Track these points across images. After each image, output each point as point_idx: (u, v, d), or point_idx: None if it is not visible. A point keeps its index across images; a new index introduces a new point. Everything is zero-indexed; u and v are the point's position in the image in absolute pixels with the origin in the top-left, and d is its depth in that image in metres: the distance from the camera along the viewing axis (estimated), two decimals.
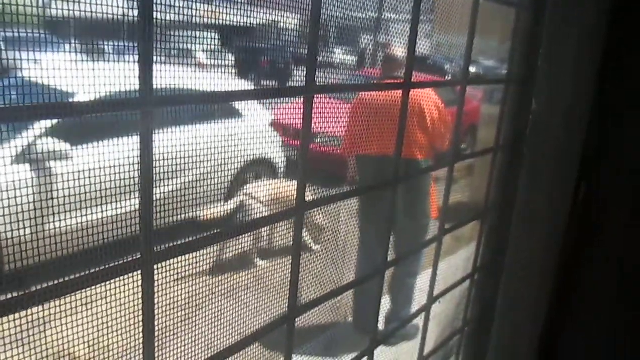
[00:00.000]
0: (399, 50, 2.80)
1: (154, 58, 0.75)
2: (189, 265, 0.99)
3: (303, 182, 1.03)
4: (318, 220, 3.43)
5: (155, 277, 0.81)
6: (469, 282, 1.69)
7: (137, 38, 0.73)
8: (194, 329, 1.11)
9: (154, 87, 0.74)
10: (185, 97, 0.81)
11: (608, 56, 0.65)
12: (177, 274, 0.98)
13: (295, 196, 0.95)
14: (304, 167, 1.03)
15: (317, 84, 1.01)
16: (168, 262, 0.85)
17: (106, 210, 1.06)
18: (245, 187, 4.12)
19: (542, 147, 0.68)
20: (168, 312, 0.91)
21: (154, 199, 0.80)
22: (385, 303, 2.57)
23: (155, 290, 0.86)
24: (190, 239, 0.85)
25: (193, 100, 0.82)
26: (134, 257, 0.79)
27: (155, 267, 0.81)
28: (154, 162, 1.01)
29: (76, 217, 1.03)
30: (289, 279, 1.05)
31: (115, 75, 0.91)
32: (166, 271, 0.86)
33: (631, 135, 0.66)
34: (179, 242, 0.84)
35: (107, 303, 0.90)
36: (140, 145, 0.75)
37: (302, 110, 1.03)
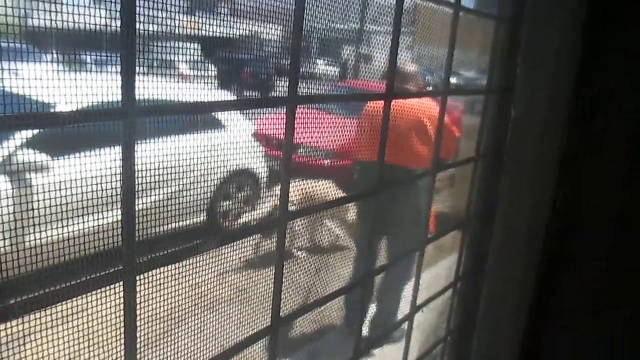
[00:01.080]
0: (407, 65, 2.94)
1: (136, 69, 0.75)
2: (174, 275, 0.98)
3: (286, 193, 1.03)
4: (350, 217, 3.53)
5: (138, 289, 0.81)
6: (452, 291, 1.70)
7: (120, 48, 0.73)
8: (183, 338, 1.10)
9: (137, 98, 0.74)
10: (167, 108, 0.81)
11: (585, 65, 0.67)
12: (164, 284, 0.97)
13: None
14: (287, 177, 1.03)
15: (300, 94, 1.02)
16: (152, 272, 0.85)
17: (88, 222, 1.05)
18: (274, 189, 4.15)
19: (521, 155, 0.69)
20: (151, 324, 0.90)
21: (136, 210, 0.80)
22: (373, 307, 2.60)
23: (138, 301, 0.86)
24: (173, 249, 0.84)
25: (175, 111, 0.82)
26: (116, 269, 0.78)
27: (138, 278, 0.80)
28: (136, 174, 1.01)
29: (57, 228, 1.02)
30: (272, 289, 1.04)
31: (97, 86, 0.91)
32: (149, 282, 0.85)
33: (607, 139, 0.68)
34: (161, 253, 0.83)
35: (88, 315, 0.89)
36: (122, 155, 0.74)
37: (284, 120, 1.04)
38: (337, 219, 3.64)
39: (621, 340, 0.74)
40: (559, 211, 0.70)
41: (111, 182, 0.88)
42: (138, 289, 0.81)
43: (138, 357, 0.85)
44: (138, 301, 0.86)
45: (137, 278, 0.80)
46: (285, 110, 1.02)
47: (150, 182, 1.17)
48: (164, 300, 0.97)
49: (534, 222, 0.69)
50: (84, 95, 0.92)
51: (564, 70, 0.66)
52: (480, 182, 1.58)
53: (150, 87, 1.04)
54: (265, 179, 4.51)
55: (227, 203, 4.58)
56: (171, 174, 1.50)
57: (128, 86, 0.73)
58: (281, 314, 1.07)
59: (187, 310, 1.15)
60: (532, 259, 0.71)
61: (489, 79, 1.50)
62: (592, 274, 0.72)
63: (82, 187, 1.03)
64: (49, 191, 0.95)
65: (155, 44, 1.02)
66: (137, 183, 0.97)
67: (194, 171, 1.65)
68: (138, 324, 0.89)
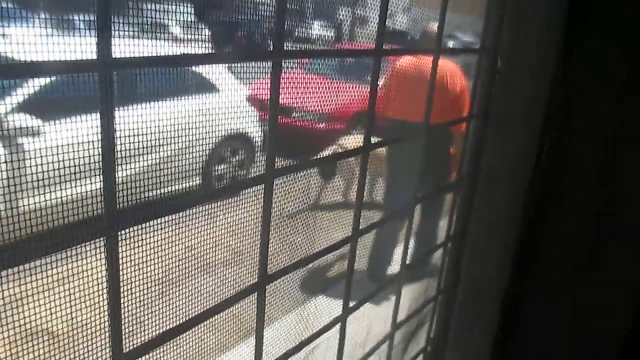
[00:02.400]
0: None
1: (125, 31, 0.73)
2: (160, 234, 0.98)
3: (272, 151, 1.02)
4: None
5: (122, 247, 0.80)
6: (442, 250, 1.71)
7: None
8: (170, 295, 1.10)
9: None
10: (144, 60, 0.79)
11: (570, 30, 0.65)
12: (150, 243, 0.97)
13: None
14: (273, 136, 1.02)
15: (285, 49, 0.99)
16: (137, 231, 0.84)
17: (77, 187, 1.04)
18: (339, 140, 4.25)
19: (505, 113, 0.68)
20: (135, 284, 0.90)
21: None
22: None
23: (122, 260, 0.85)
24: (155, 208, 0.83)
25: (153, 63, 0.80)
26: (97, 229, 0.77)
27: (124, 234, 0.79)
28: (127, 139, 1.00)
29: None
30: (258, 248, 1.04)
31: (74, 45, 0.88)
32: (134, 240, 0.85)
33: (593, 100, 0.67)
34: (144, 210, 0.82)
35: (74, 280, 0.88)
36: (101, 116, 0.73)
37: (269, 77, 1.02)
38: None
39: (599, 303, 0.74)
40: (543, 165, 0.69)
41: (93, 148, 0.86)
42: (122, 247, 0.80)
43: (123, 315, 0.86)
44: (123, 259, 0.86)
45: (119, 234, 0.79)
46: (271, 65, 1.00)
47: (142, 147, 1.16)
48: (151, 259, 0.97)
49: (517, 181, 0.68)
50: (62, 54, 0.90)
51: (549, 31, 0.64)
52: (472, 141, 1.57)
53: (142, 50, 1.03)
54: (259, 143, 4.48)
55: (222, 167, 4.58)
56: (165, 137, 1.49)
57: (104, 42, 0.70)
58: (268, 271, 1.07)
59: (175, 270, 1.15)
60: (513, 221, 0.70)
61: (482, 39, 1.48)
62: (576, 237, 0.72)
63: (66, 152, 1.02)
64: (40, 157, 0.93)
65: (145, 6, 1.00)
66: (126, 148, 0.96)
67: (186, 135, 1.63)
68: (123, 280, 0.89)
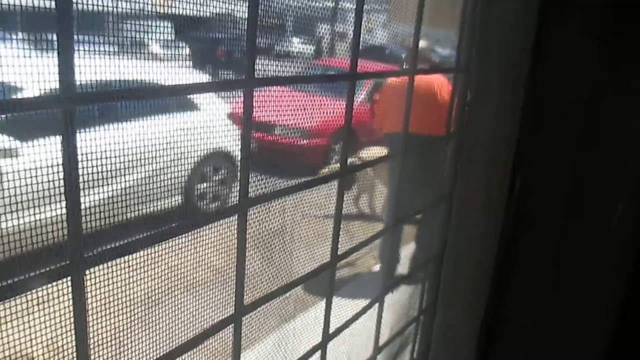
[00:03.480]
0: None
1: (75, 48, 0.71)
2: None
3: (246, 178, 1.00)
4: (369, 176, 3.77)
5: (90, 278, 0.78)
6: (423, 273, 1.70)
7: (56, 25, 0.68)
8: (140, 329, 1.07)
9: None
10: (111, 94, 0.77)
11: (539, 47, 0.64)
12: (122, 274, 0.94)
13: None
14: (246, 162, 1.00)
15: (257, 77, 0.98)
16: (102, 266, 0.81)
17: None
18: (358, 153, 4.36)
19: (477, 137, 0.68)
20: (103, 317, 0.88)
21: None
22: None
23: (90, 293, 0.83)
24: (124, 241, 0.81)
25: (120, 97, 0.78)
26: (65, 262, 0.75)
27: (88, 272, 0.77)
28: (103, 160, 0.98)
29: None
30: (234, 278, 1.02)
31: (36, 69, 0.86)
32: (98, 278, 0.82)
33: (561, 125, 0.67)
34: (113, 245, 0.80)
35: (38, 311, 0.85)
36: (62, 145, 0.71)
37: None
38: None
39: (576, 323, 0.74)
40: (515, 203, 0.69)
41: (54, 172, 0.84)
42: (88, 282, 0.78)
43: (91, 350, 0.83)
44: (93, 290, 0.83)
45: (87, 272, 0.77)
46: (247, 91, 0.99)
47: (120, 168, 1.15)
48: (120, 292, 0.94)
49: (487, 208, 0.67)
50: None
51: (516, 54, 0.64)
52: (449, 161, 1.57)
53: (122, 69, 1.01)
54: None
55: (204, 185, 4.53)
56: (145, 157, 1.47)
57: (67, 69, 0.68)
58: (245, 301, 1.05)
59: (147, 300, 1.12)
60: (486, 250, 0.70)
61: (457, 57, 1.48)
62: (550, 260, 0.71)
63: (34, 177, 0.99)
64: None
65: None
66: (105, 169, 0.94)
67: (167, 154, 1.61)
68: (91, 316, 0.86)
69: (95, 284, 0.86)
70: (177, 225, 0.96)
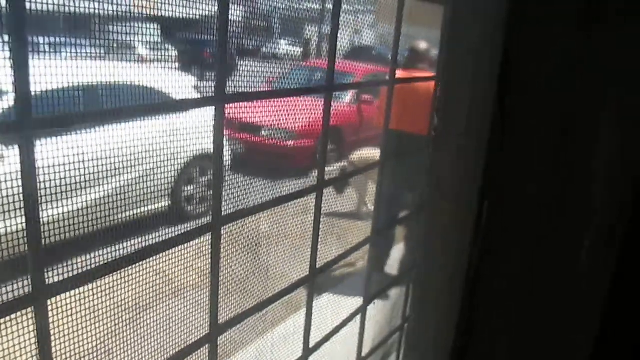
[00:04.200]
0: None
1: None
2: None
3: (218, 195, 0.98)
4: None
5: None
6: (406, 283, 1.69)
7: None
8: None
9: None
10: (67, 118, 0.75)
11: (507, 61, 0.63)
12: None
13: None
14: (220, 180, 0.98)
15: (228, 93, 0.96)
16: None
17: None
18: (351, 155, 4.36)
19: (444, 146, 0.67)
20: (69, 342, 0.85)
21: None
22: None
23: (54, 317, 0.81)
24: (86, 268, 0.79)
25: (79, 121, 0.76)
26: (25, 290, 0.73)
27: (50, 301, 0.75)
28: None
29: None
30: (208, 296, 1.00)
31: None
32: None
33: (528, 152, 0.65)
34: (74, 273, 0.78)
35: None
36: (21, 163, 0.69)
37: (214, 118, 0.99)
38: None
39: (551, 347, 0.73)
40: (485, 223, 0.68)
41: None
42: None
43: None
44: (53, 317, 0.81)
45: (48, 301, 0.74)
46: (218, 108, 0.97)
47: (111, 169, 1.13)
48: (89, 316, 0.92)
49: (457, 223, 0.66)
50: None
51: (484, 65, 0.63)
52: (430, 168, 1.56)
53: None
54: (228, 161, 4.43)
55: (191, 187, 4.50)
56: (134, 158, 1.45)
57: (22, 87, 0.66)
58: (219, 319, 1.03)
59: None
60: (457, 266, 0.68)
61: (437, 66, 1.47)
62: (519, 281, 0.70)
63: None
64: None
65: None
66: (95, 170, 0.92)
67: (154, 156, 1.59)
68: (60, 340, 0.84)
69: (60, 307, 0.84)
70: (150, 246, 0.94)
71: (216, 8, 0.93)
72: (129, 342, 0.96)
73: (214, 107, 0.98)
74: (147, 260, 0.92)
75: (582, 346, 0.71)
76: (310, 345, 1.31)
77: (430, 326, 0.79)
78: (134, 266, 0.89)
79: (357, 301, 1.48)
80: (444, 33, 0.67)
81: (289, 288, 1.20)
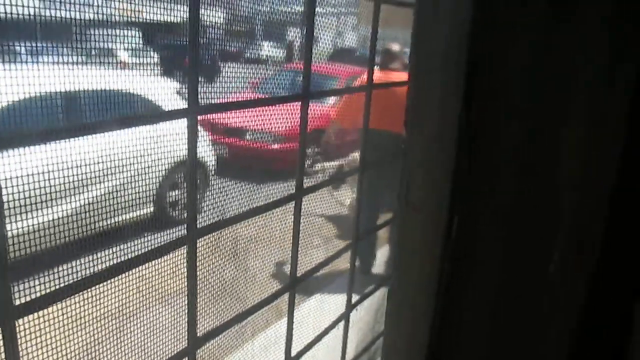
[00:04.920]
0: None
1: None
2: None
3: (193, 208, 0.97)
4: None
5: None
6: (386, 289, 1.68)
7: None
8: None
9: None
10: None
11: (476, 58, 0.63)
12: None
13: None
14: (193, 193, 0.97)
15: (201, 104, 0.95)
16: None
17: None
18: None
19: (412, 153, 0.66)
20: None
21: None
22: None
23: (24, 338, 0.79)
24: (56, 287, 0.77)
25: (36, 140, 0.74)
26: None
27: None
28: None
29: None
30: (186, 309, 0.99)
31: None
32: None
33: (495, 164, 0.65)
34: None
35: None
36: None
37: (187, 129, 0.98)
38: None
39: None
40: (455, 231, 0.67)
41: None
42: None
43: None
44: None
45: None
46: (191, 119, 0.96)
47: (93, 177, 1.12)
48: (61, 331, 0.90)
49: (427, 231, 0.66)
50: None
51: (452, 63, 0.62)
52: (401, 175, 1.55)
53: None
54: (213, 167, 4.40)
55: (175, 192, 4.47)
56: (113, 166, 1.44)
57: None
58: (198, 332, 1.02)
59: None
60: (430, 275, 0.68)
61: (409, 71, 1.47)
62: (490, 297, 0.70)
63: None
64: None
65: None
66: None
67: (137, 162, 1.58)
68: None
69: (32, 325, 0.82)
70: (128, 260, 0.93)
71: (187, 15, 0.92)
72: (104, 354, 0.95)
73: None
74: (121, 275, 0.90)
75: (557, 355, 0.71)
76: (292, 354, 1.30)
77: (403, 338, 0.78)
78: (104, 283, 0.87)
79: (340, 307, 1.48)
80: (413, 37, 0.67)
81: (269, 298, 1.19)
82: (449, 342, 0.68)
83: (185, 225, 0.96)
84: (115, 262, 0.91)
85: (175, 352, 1.00)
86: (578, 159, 0.68)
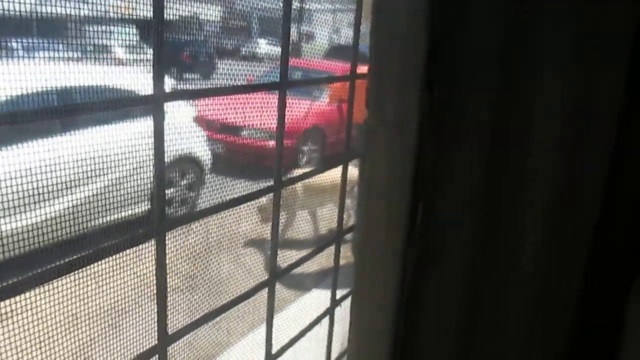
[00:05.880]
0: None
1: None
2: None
3: (161, 202, 0.94)
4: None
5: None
6: None
7: None
8: None
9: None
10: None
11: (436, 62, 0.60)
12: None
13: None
14: (161, 188, 0.94)
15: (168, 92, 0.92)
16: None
17: None
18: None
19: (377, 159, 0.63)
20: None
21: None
22: None
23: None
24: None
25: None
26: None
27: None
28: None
29: None
30: (155, 308, 0.96)
31: None
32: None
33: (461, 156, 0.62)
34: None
35: None
36: None
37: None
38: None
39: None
40: (420, 223, 0.64)
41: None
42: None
43: None
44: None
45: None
46: (157, 107, 0.92)
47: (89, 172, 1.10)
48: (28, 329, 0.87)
49: (390, 223, 0.63)
50: None
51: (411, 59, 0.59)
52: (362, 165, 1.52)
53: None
54: (208, 164, 4.38)
55: (171, 190, 4.44)
56: (106, 164, 1.42)
57: None
58: (168, 329, 0.99)
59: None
60: (393, 268, 0.65)
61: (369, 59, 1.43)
62: (456, 288, 0.66)
63: None
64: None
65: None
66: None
67: (132, 160, 1.55)
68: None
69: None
70: (92, 252, 0.90)
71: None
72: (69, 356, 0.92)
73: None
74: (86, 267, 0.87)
75: (543, 355, 0.68)
76: (273, 352, 1.27)
77: (369, 334, 0.75)
78: (68, 275, 0.84)
79: (325, 303, 1.44)
80: (372, 23, 0.63)
81: (249, 292, 1.16)
82: (415, 346, 0.64)
83: (154, 218, 0.93)
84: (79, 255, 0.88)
85: (146, 348, 0.97)
86: (552, 144, 0.64)
